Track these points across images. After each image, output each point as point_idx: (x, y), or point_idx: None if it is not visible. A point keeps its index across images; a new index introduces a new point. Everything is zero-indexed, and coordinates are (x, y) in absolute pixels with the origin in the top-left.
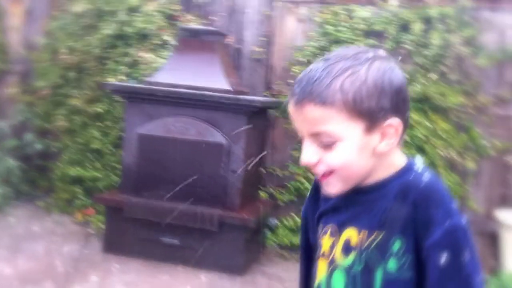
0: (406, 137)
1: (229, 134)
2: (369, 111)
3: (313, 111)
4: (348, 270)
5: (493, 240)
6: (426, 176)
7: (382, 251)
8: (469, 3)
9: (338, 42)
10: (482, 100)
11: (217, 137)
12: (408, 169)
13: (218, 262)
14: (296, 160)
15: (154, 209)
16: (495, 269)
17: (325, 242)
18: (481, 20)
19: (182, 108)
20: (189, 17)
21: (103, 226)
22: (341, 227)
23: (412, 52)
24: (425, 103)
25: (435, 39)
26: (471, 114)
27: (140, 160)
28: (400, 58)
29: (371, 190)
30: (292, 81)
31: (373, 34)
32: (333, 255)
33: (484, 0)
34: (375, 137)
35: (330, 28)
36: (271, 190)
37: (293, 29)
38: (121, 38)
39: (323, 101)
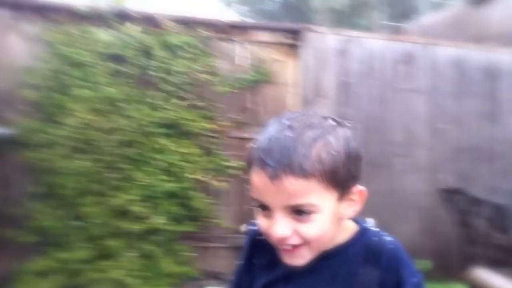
0: (158, 163)
1: None
2: (343, 181)
3: (293, 183)
4: None
5: None
6: (389, 239)
7: None
8: (206, 33)
9: (75, 64)
10: (223, 124)
11: None
12: (364, 231)
13: None
14: (33, 197)
15: None
16: None
17: None
18: (217, 50)
19: None
20: None
21: None
22: None
23: (157, 78)
24: (172, 129)
25: (178, 66)
26: (214, 137)
27: None
28: (145, 84)
29: (332, 255)
30: (23, 107)
31: (114, 58)
32: None
33: (218, 31)
34: (344, 204)
35: (64, 49)
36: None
37: (18, 49)
38: None
39: (305, 173)
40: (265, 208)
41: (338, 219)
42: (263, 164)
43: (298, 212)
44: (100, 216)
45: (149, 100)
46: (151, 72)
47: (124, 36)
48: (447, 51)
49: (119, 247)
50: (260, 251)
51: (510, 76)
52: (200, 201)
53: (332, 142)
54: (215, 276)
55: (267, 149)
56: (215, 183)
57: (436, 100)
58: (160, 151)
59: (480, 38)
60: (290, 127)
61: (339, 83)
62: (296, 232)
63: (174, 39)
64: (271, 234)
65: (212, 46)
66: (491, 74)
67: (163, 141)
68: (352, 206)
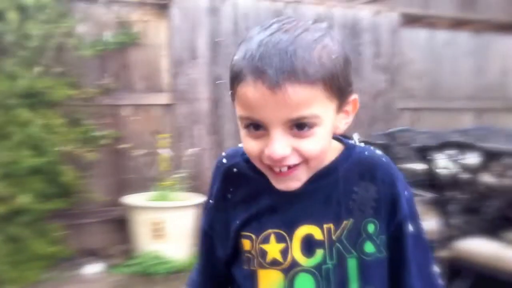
0: (20, 137)
1: None
2: (343, 87)
3: (298, 92)
4: (317, 269)
5: (120, 225)
6: (379, 152)
7: (355, 237)
8: None
9: None
10: (89, 91)
11: None
12: (351, 147)
13: None
14: None
15: None
16: (129, 251)
17: (271, 249)
18: (78, 11)
19: None
20: None
21: None
22: (290, 228)
23: (12, 44)
24: (33, 99)
25: (35, 30)
26: (81, 106)
27: None
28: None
29: (322, 176)
30: None
31: None
32: (292, 260)
33: None
34: (340, 116)
35: None
36: None
37: None
38: None
39: (309, 80)
40: (258, 127)
41: (332, 134)
42: (259, 73)
43: (300, 126)
44: None
45: (4, 68)
46: (4, 38)
47: None
48: (314, 9)
49: None
50: (234, 185)
51: (370, 32)
52: (69, 175)
53: (330, 45)
54: (92, 253)
55: (262, 55)
56: (84, 154)
57: None
58: (21, 123)
59: None
60: (282, 30)
61: (212, 43)
62: (296, 150)
63: (30, 1)
64: (267, 156)
65: (73, 7)
66: (354, 30)
67: (24, 112)
68: (346, 118)
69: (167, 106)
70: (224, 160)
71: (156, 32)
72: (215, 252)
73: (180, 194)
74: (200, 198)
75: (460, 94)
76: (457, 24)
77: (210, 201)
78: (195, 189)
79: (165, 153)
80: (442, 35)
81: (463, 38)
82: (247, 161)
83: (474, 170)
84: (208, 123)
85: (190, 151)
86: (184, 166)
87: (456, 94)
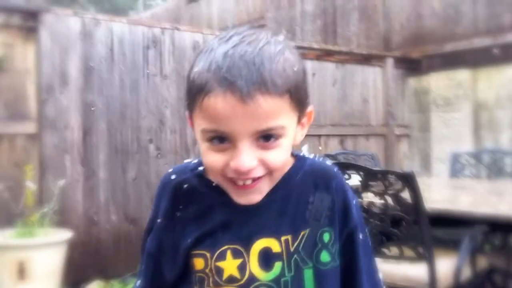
0: None
1: None
2: (303, 99)
3: (269, 103)
4: (276, 282)
5: None
6: (329, 162)
7: (311, 247)
8: None
9: None
10: None
11: None
12: (302, 158)
13: None
14: None
15: None
16: None
17: (228, 266)
18: None
19: None
20: None
21: None
22: (246, 243)
23: None
24: None
25: None
26: None
27: None
28: None
29: (273, 190)
30: None
31: None
32: (250, 275)
33: None
34: (299, 127)
35: None
36: None
37: None
38: None
39: (278, 91)
40: (222, 140)
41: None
42: (229, 84)
43: (266, 137)
44: None
45: None
46: None
47: None
48: (191, 36)
49: None
50: (185, 202)
51: None
52: None
53: (291, 57)
54: None
55: (229, 67)
56: None
57: (181, 83)
58: None
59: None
60: (245, 42)
61: (85, 68)
62: (262, 162)
63: None
64: (233, 169)
65: None
66: None
67: None
68: (302, 130)
69: (34, 135)
70: (173, 177)
71: (23, 57)
72: (161, 275)
73: (47, 230)
74: (69, 234)
75: (327, 120)
76: (323, 55)
77: (157, 220)
78: (63, 223)
79: (30, 186)
80: (311, 65)
81: (329, 68)
82: (199, 176)
83: (356, 189)
84: (79, 153)
85: (58, 183)
86: (51, 199)
87: (324, 121)
